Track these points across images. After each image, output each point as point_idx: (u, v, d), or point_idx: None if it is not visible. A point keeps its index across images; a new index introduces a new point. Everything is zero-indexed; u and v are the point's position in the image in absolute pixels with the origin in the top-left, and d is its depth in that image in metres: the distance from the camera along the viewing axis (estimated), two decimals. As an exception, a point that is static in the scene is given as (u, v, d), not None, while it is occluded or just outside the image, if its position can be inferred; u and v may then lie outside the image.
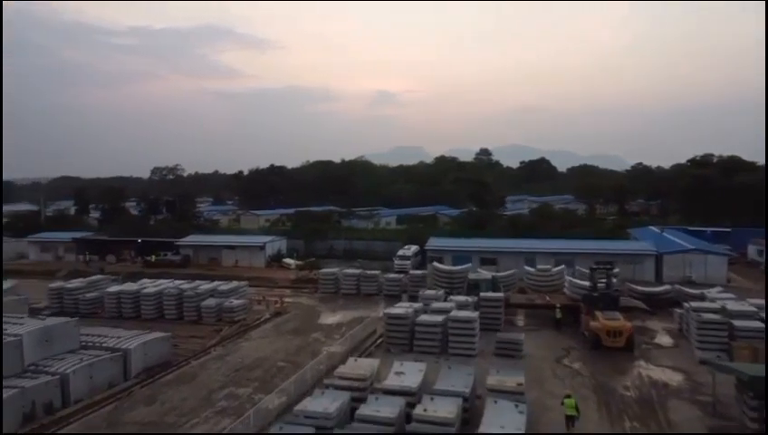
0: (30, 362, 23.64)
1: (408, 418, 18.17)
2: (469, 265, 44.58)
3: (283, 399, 22.17)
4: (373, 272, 45.04)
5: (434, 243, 54.03)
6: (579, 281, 37.26)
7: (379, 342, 30.71)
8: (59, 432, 20.68)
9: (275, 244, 61.66)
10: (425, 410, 17.92)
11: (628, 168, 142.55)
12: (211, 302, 36.83)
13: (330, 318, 37.28)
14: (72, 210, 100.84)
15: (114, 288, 39.16)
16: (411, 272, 44.92)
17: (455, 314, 29.19)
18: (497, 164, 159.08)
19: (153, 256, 59.29)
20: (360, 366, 22.22)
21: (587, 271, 35.46)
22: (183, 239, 62.24)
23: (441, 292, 36.40)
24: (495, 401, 18.65)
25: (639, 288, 39.12)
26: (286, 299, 42.26)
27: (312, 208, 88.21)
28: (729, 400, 21.34)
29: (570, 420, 19.58)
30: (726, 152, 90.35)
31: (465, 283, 38.45)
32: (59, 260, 64.86)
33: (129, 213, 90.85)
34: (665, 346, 30.07)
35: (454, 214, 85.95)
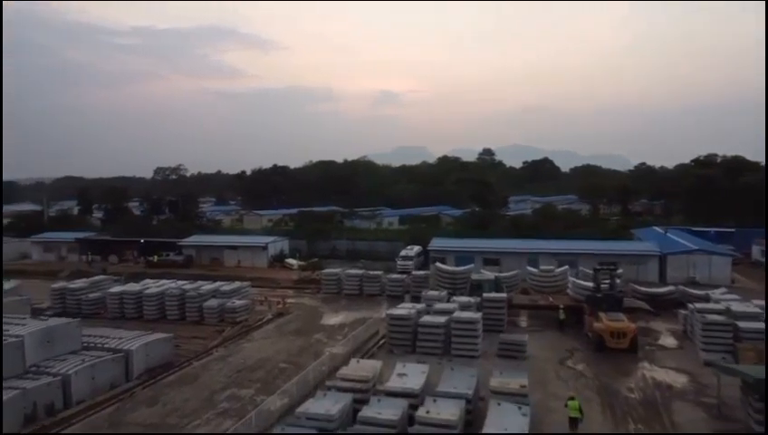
0: (32, 363, 23.66)
1: (410, 420, 18.08)
2: (472, 265, 44.56)
3: (286, 400, 22.15)
4: (376, 272, 44.95)
5: (437, 243, 53.92)
6: (582, 282, 37.12)
7: (381, 343, 30.63)
8: (61, 433, 20.67)
9: (278, 244, 61.62)
10: (427, 412, 17.82)
11: (632, 167, 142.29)
12: (213, 302, 36.80)
13: (332, 319, 37.21)
14: (75, 210, 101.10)
15: (116, 289, 39.20)
16: (414, 272, 44.77)
17: (457, 315, 29.11)
18: (500, 164, 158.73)
19: (156, 257, 59.41)
20: (363, 368, 22.10)
21: (590, 272, 35.35)
22: (185, 240, 62.31)
23: (444, 293, 36.22)
24: (499, 403, 18.59)
25: (643, 289, 38.90)
26: (288, 300, 42.22)
27: (314, 209, 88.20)
28: (734, 402, 21.20)
29: (573, 422, 19.52)
30: (728, 152, 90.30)
31: (468, 283, 38.26)
32: (62, 260, 65.06)
33: (131, 213, 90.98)
34: (669, 348, 29.91)
35: (457, 214, 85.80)
